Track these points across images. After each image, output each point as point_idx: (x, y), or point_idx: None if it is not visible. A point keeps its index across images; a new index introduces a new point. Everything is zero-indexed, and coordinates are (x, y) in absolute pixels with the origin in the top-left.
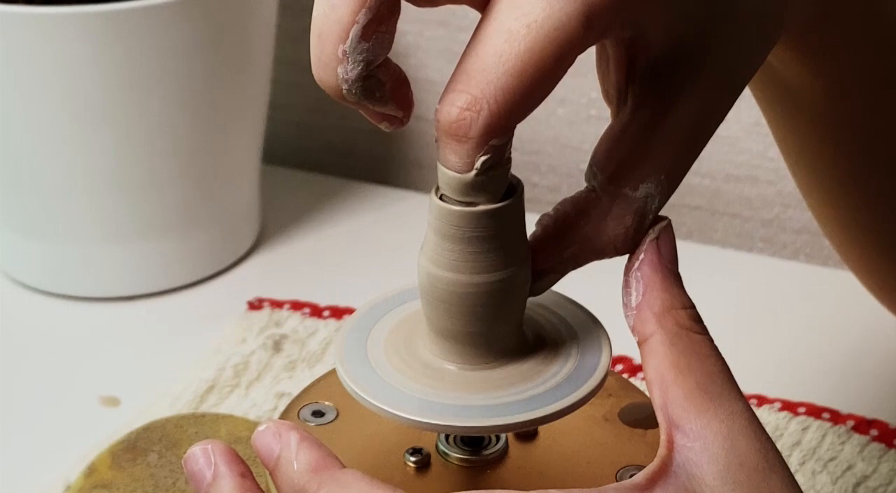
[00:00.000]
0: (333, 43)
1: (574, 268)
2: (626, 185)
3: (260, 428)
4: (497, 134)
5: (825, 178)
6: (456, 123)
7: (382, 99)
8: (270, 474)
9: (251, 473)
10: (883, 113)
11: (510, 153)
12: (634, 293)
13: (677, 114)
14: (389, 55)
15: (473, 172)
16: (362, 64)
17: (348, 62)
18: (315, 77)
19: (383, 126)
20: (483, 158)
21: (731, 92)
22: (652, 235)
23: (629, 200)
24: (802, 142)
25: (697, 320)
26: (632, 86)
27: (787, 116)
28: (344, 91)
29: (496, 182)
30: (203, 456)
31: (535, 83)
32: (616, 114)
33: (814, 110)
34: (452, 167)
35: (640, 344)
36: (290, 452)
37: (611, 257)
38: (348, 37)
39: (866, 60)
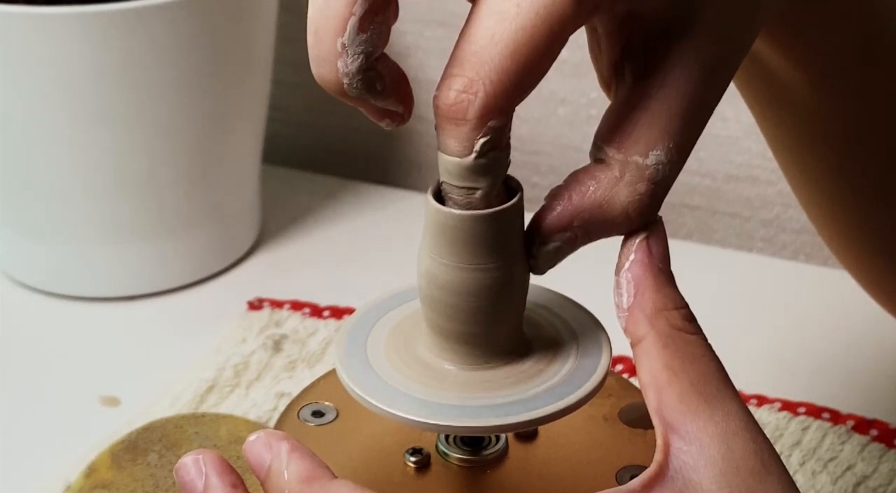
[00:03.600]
0: (331, 37)
1: (582, 242)
2: (636, 152)
3: (251, 438)
4: (495, 115)
5: (815, 173)
6: (454, 106)
7: (383, 93)
8: (262, 484)
9: (242, 483)
10: (868, 105)
11: (509, 138)
12: (626, 295)
13: (677, 81)
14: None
15: (473, 155)
16: (362, 56)
17: (348, 55)
18: (315, 74)
19: (384, 124)
20: (482, 140)
21: (729, 60)
22: (641, 234)
23: (640, 167)
24: (791, 137)
25: (690, 319)
26: (628, 61)
27: (775, 111)
28: (345, 85)
29: (496, 165)
30: (194, 466)
31: (530, 62)
32: (615, 94)
33: (800, 104)
34: (452, 152)
35: (633, 346)
36: (281, 462)
37: (623, 230)
38: (346, 29)
39: (849, 53)
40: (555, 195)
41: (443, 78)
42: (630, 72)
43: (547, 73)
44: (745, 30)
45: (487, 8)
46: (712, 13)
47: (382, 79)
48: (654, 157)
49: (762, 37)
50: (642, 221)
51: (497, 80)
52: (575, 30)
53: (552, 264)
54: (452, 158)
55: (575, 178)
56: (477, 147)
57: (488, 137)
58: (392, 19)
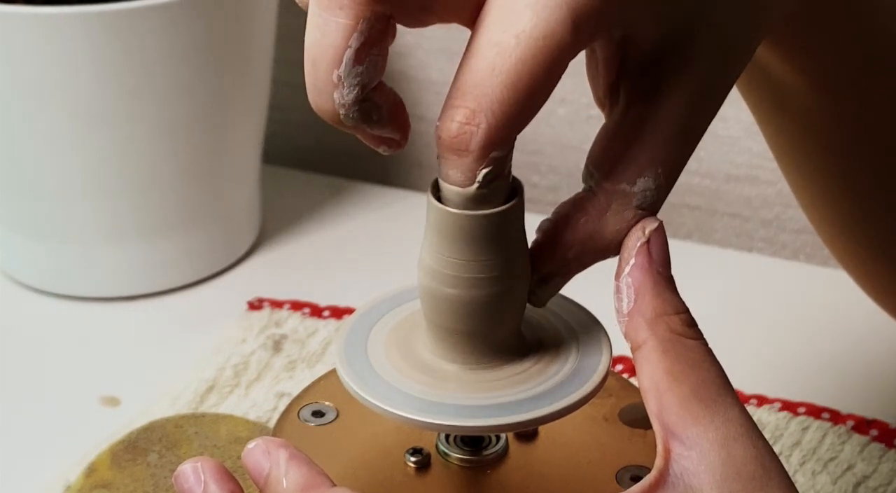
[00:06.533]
0: (327, 69)
1: (578, 270)
2: (623, 180)
3: (249, 445)
4: (497, 146)
5: (816, 177)
6: (456, 138)
7: (380, 122)
8: (260, 491)
9: (241, 490)
10: (870, 111)
11: (510, 166)
12: (626, 299)
13: (669, 106)
14: (385, 72)
15: (475, 185)
16: (357, 88)
17: (343, 87)
18: (311, 104)
19: (381, 149)
20: (484, 171)
21: (721, 84)
22: (642, 238)
23: (627, 195)
24: (792, 142)
25: (691, 324)
26: (623, 84)
27: (776, 116)
28: (341, 116)
29: (497, 194)
30: (193, 474)
31: (531, 92)
32: (609, 115)
33: (801, 109)
34: (454, 182)
35: (633, 351)
36: (280, 470)
37: (614, 255)
38: (342, 62)
39: (851, 60)
40: (546, 232)
41: (444, 109)
42: (625, 94)
43: (547, 99)
44: (738, 56)
45: (487, 39)
46: (707, 40)
47: (379, 109)
48: (641, 184)
49: (764, 45)
50: None
51: (499, 111)
52: (574, 57)
53: (552, 296)
54: (455, 188)
55: (564, 212)
56: (479, 177)
57: (490, 167)
58: (387, 51)
